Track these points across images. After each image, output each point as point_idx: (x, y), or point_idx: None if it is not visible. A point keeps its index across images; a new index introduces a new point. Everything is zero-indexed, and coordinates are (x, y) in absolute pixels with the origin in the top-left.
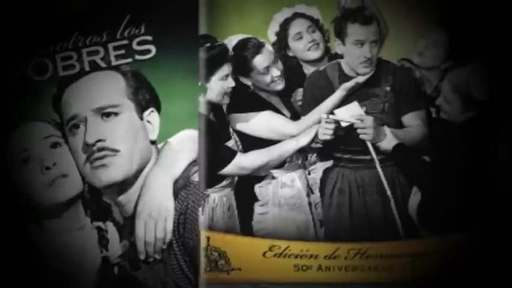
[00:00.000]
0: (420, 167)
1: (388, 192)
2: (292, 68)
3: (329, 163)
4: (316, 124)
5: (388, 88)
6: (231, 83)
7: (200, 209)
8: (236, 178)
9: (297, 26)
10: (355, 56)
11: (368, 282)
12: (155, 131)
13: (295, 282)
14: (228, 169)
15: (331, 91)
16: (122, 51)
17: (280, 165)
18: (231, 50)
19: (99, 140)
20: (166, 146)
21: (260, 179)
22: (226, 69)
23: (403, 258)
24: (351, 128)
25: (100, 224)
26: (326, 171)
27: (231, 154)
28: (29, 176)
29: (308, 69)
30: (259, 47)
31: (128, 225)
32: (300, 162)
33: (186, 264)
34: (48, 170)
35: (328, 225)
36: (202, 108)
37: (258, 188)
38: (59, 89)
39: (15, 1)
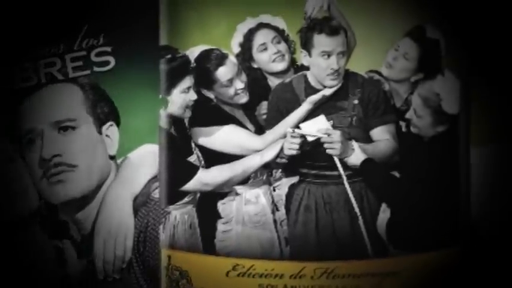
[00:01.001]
0: (389, 183)
1: (356, 209)
2: (256, 80)
3: (295, 179)
4: (282, 138)
5: (356, 101)
6: (193, 95)
7: (161, 226)
8: (198, 194)
9: (262, 37)
10: (321, 67)
11: None
12: (114, 145)
13: None
14: (190, 185)
15: (297, 104)
16: (80, 63)
17: (244, 181)
18: (193, 61)
19: (56, 155)
20: (125, 161)
21: (223, 195)
22: (188, 81)
23: (371, 277)
24: (318, 143)
25: (57, 242)
26: (292, 188)
27: (193, 170)
28: None
29: (273, 82)
30: (222, 59)
31: (86, 244)
32: (264, 178)
33: (147, 283)
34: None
35: (294, 244)
36: (163, 122)
37: (221, 205)
38: (15, 102)
39: None
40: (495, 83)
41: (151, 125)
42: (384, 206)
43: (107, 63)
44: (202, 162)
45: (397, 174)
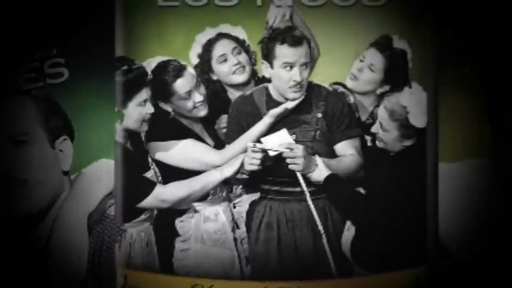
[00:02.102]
0: (354, 199)
1: (320, 227)
2: (216, 93)
3: (256, 195)
4: (242, 153)
5: (319, 114)
6: (149, 108)
7: (117, 244)
8: (155, 212)
9: (221, 48)
10: (283, 79)
11: None
12: (68, 160)
13: None
14: (147, 202)
15: (258, 118)
16: (33, 75)
17: (203, 197)
18: (149, 73)
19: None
20: (80, 176)
21: (181, 212)
22: (144, 94)
23: None
24: (280, 158)
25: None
26: (253, 204)
27: (149, 186)
28: None
29: (233, 94)
30: (180, 70)
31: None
32: (224, 194)
33: None
34: None
35: (254, 263)
36: (119, 136)
37: (179, 223)
38: None
39: None
40: (464, 96)
41: (107, 139)
42: (348, 223)
43: (60, 75)
44: (160, 178)
45: (362, 190)
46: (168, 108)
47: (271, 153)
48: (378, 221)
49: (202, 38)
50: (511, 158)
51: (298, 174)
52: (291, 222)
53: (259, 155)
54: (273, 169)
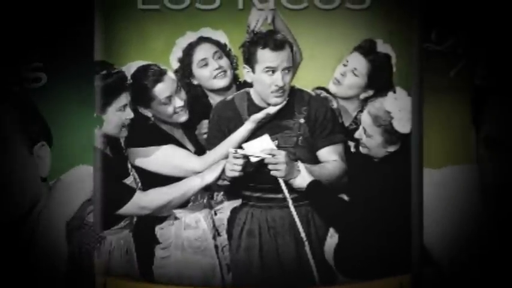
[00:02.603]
0: (337, 206)
1: (302, 234)
2: (196, 98)
3: (237, 202)
4: (223, 159)
5: (302, 120)
6: (129, 114)
7: (95, 252)
8: (135, 219)
9: (202, 52)
10: (265, 84)
11: None
12: (46, 166)
13: None
14: (126, 209)
15: (240, 123)
16: (10, 79)
17: (184, 204)
18: (129, 77)
19: None
20: (58, 183)
21: (161, 219)
22: (124, 99)
23: None
24: (261, 164)
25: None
26: (234, 211)
27: (129, 192)
28: None
29: (214, 99)
30: (160, 75)
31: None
32: (205, 201)
33: None
34: None
35: (236, 270)
36: (98, 142)
37: (159, 230)
38: None
39: None
40: (449, 102)
41: (86, 145)
42: (331, 230)
43: (39, 79)
44: (139, 184)
45: (345, 197)
46: (148, 113)
47: (253, 159)
48: (361, 228)
49: (182, 42)
50: (497, 165)
51: (281, 181)
52: (273, 229)
53: (241, 161)
54: (255, 175)
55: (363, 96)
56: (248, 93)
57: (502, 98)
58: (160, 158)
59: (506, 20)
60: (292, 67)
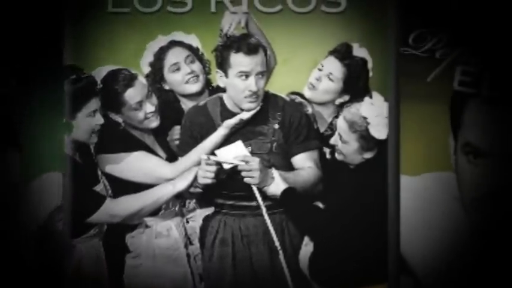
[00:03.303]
0: (312, 214)
1: (276, 243)
2: (168, 103)
3: (210, 210)
4: (195, 166)
5: (276, 126)
6: (99, 119)
7: (65, 260)
8: (105, 227)
9: (174, 56)
10: (239, 89)
11: None
12: (15, 173)
13: None
14: (96, 217)
15: (212, 129)
16: None
17: (155, 212)
18: (99, 82)
19: None
20: (27, 190)
21: (132, 227)
22: (94, 104)
23: None
24: (235, 171)
25: None
26: (206, 219)
27: (99, 200)
28: None
29: (186, 105)
30: (130, 80)
31: None
32: (177, 209)
33: None
34: None
35: (208, 280)
36: (68, 148)
37: (130, 238)
38: None
39: None
40: (427, 108)
41: (55, 151)
42: (306, 239)
43: (8, 84)
44: (110, 191)
45: (320, 204)
46: (118, 119)
47: (226, 166)
48: (337, 236)
49: (154, 46)
50: (476, 172)
51: (254, 188)
52: (247, 237)
53: (213, 168)
54: (228, 182)
55: (338, 101)
56: (221, 99)
57: (482, 104)
58: (131, 164)
59: (486, 24)
60: (266, 71)
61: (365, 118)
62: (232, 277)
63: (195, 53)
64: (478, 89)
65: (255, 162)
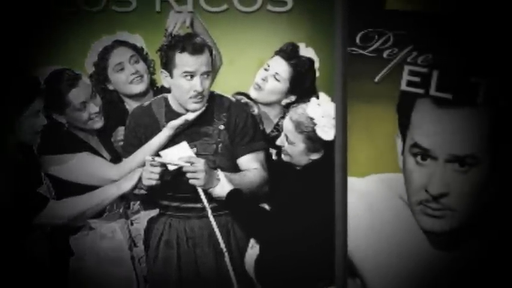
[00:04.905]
0: (258, 216)
1: (222, 245)
2: (112, 104)
3: (154, 212)
4: (140, 167)
5: (221, 126)
6: (42, 120)
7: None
8: (48, 228)
9: (118, 56)
10: (184, 89)
11: None
12: None
13: None
14: (40, 218)
15: (157, 130)
16: None
17: (99, 214)
18: (42, 83)
19: None
20: None
21: (76, 229)
22: (37, 104)
23: None
24: (180, 172)
25: None
26: (151, 221)
27: (42, 201)
28: None
29: (130, 105)
30: (74, 80)
31: None
32: (121, 211)
33: None
34: None
35: (153, 282)
36: (10, 149)
37: (74, 240)
38: None
39: None
40: (374, 109)
41: None
42: (252, 241)
43: None
44: (53, 193)
45: (267, 206)
46: (62, 119)
47: (171, 168)
48: (283, 238)
49: (98, 46)
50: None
51: (199, 190)
52: (192, 240)
53: (158, 169)
54: (173, 184)
55: (284, 102)
56: (166, 99)
57: (430, 104)
58: (75, 166)
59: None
60: (212, 71)
61: (312, 119)
62: (177, 279)
63: (139, 53)
64: (426, 89)
65: (200, 163)
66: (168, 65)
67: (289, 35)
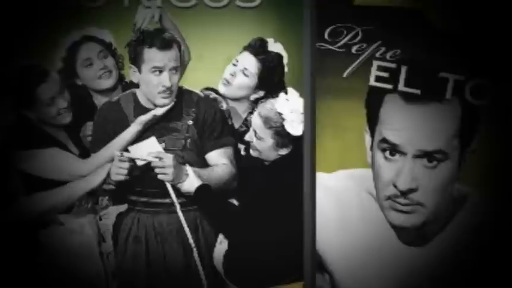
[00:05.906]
0: (227, 211)
1: (191, 240)
2: (81, 99)
3: (123, 207)
4: (109, 162)
5: (190, 122)
6: (11, 115)
7: None
8: (18, 224)
9: (86, 51)
10: (152, 84)
11: None
12: None
13: None
14: (8, 214)
15: (126, 125)
16: None
17: (68, 209)
18: (11, 77)
19: None
20: None
21: (45, 225)
22: (5, 100)
23: None
24: (148, 167)
25: None
26: (120, 217)
27: (11, 197)
28: None
29: (99, 100)
30: (43, 75)
31: None
32: (90, 206)
33: None
34: None
35: (122, 278)
36: None
37: (43, 235)
38: None
39: None
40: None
41: None
42: (221, 237)
43: None
44: (22, 188)
45: (235, 202)
46: (30, 115)
47: (139, 163)
48: (252, 234)
49: (66, 41)
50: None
51: (168, 185)
52: (160, 235)
53: (127, 165)
54: (141, 179)
55: (253, 97)
56: (134, 94)
57: (398, 99)
58: (44, 161)
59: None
60: (180, 67)
61: (280, 114)
62: (146, 275)
63: (108, 48)
64: (395, 84)
65: (169, 158)
66: (136, 60)
67: (257, 30)
